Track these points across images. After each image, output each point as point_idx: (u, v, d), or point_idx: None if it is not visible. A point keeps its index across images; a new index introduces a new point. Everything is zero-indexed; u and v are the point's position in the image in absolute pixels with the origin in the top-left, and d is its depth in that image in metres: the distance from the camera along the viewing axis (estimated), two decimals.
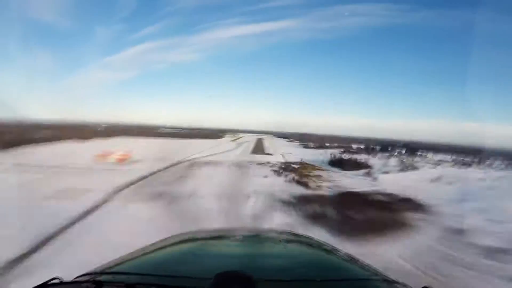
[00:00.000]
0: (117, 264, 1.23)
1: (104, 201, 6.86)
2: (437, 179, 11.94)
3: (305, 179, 11.08)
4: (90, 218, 5.68)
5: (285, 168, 13.97)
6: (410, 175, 13.30)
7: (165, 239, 1.69)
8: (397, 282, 1.14)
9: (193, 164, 14.03)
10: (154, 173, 11.09)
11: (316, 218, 6.21)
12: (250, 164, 15.28)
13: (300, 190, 9.21)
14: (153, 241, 1.61)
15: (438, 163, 19.18)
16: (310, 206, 7.16)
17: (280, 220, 5.96)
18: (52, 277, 0.97)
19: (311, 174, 12.65)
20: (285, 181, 10.79)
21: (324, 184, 10.59)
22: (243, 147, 28.35)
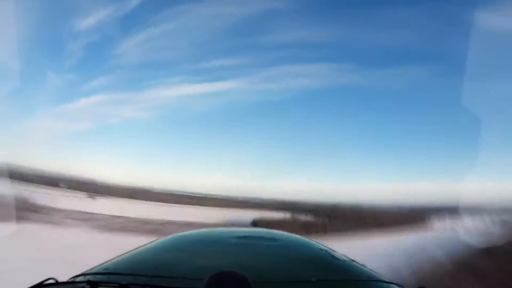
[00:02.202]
0: (111, 265, 1.23)
1: None
2: None
3: None
4: None
5: None
6: None
7: (160, 239, 1.69)
8: (392, 283, 1.16)
9: None
10: None
11: None
12: None
13: None
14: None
15: None
16: None
17: None
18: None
19: None
20: None
21: None
22: None
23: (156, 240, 1.67)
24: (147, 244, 1.59)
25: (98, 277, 1.02)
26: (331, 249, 1.63)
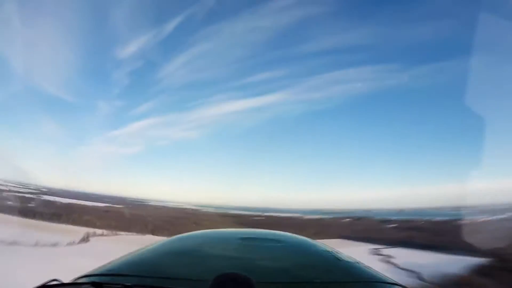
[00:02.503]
0: (115, 266, 1.22)
1: None
2: None
3: None
4: None
5: None
6: None
7: (164, 241, 1.69)
8: (396, 284, 1.16)
9: None
10: None
11: None
12: None
13: None
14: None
15: None
16: None
17: None
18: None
19: None
20: None
21: None
22: None
23: (160, 241, 1.67)
24: (151, 245, 1.58)
25: (102, 278, 1.03)
26: (334, 250, 1.62)
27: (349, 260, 1.46)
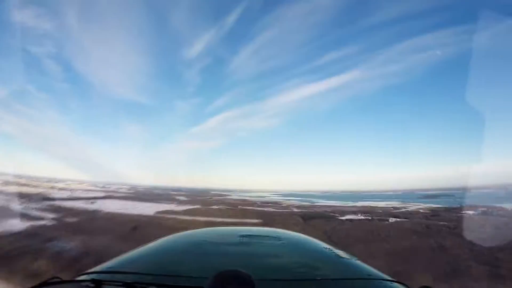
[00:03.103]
0: (116, 263, 1.24)
1: None
2: None
3: None
4: None
5: None
6: None
7: (164, 238, 1.70)
8: (396, 282, 1.16)
9: None
10: None
11: None
12: None
13: None
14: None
15: None
16: None
17: None
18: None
19: None
20: None
21: None
22: None
23: (160, 238, 1.68)
24: (151, 242, 1.60)
25: (102, 276, 1.03)
26: (335, 248, 1.63)
27: (348, 257, 1.47)
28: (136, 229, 11.02)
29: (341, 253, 1.53)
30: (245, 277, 0.81)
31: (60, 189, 34.32)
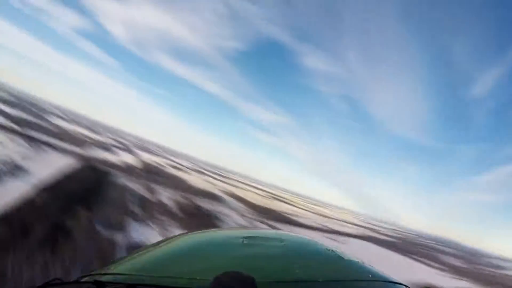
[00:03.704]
0: (118, 265, 1.26)
1: None
2: None
3: None
4: None
5: None
6: None
7: (166, 239, 1.73)
8: (398, 283, 1.18)
9: None
10: None
11: None
12: None
13: None
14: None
15: None
16: None
17: None
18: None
19: None
20: None
21: None
22: None
23: (163, 240, 1.72)
24: (153, 244, 1.64)
25: (105, 277, 1.05)
26: (337, 250, 1.61)
27: (352, 259, 1.45)
28: None
29: (344, 255, 1.52)
30: (247, 278, 0.80)
31: (322, 215, 35.00)
